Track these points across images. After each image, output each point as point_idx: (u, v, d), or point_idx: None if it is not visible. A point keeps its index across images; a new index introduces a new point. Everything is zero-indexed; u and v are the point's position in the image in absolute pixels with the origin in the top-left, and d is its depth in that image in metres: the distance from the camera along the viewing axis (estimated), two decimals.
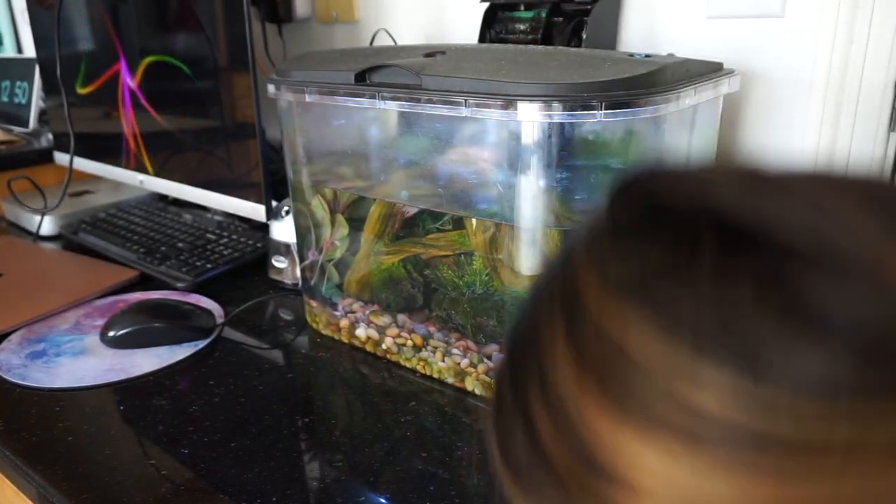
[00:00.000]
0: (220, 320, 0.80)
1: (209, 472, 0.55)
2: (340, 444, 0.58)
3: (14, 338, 0.78)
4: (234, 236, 1.01)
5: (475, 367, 0.64)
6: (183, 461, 0.56)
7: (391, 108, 0.60)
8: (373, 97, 0.60)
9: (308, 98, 0.65)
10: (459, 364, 0.65)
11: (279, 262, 0.90)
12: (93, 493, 0.53)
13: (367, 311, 0.72)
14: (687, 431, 0.19)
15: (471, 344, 0.64)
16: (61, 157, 1.24)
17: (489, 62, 0.57)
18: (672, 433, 0.19)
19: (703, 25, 0.76)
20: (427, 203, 0.63)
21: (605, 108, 0.50)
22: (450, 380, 0.66)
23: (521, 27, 0.75)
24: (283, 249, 0.89)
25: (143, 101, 1.04)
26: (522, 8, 0.75)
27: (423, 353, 0.68)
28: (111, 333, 0.75)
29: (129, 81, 1.05)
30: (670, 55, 0.62)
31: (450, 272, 0.63)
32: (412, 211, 0.64)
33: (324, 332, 0.78)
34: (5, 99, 1.47)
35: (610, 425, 0.21)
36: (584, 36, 0.71)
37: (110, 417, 0.63)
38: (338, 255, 0.73)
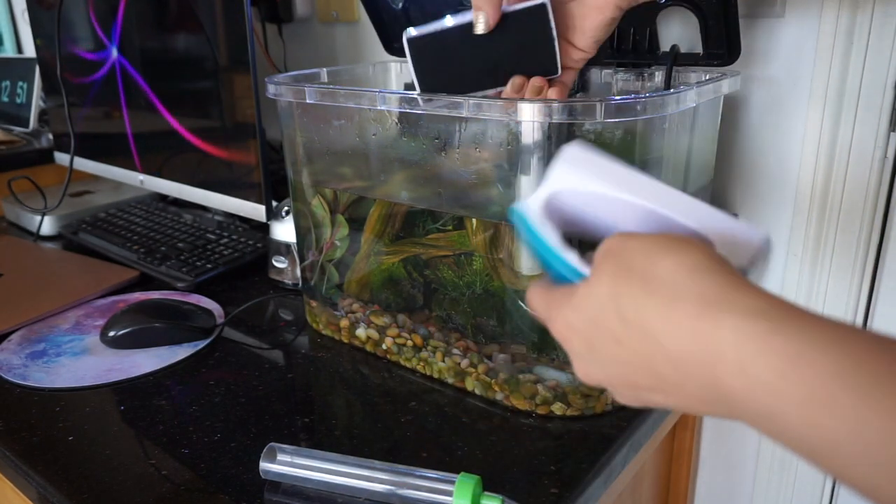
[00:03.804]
0: (220, 320, 0.80)
1: (209, 472, 0.55)
2: (340, 444, 0.58)
3: (14, 338, 0.78)
4: (234, 236, 1.01)
5: (475, 367, 0.64)
6: (183, 461, 0.56)
7: (392, 108, 0.60)
8: (373, 96, 0.60)
9: (308, 98, 0.65)
10: (459, 364, 0.65)
11: (279, 262, 0.90)
12: (93, 493, 0.53)
13: (367, 311, 0.72)
14: None
15: (471, 344, 0.64)
16: (61, 157, 1.24)
17: None
18: None
19: None
20: (427, 203, 0.63)
21: (605, 109, 0.50)
22: (450, 380, 0.66)
23: None
24: (283, 249, 0.89)
25: (143, 101, 1.04)
26: None
27: (423, 354, 0.68)
28: (111, 333, 0.75)
29: (129, 81, 1.05)
30: None
31: (450, 272, 0.63)
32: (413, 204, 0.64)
33: (324, 332, 0.78)
34: (5, 99, 1.47)
35: None
36: None
37: (110, 417, 0.63)
38: (338, 255, 0.73)
